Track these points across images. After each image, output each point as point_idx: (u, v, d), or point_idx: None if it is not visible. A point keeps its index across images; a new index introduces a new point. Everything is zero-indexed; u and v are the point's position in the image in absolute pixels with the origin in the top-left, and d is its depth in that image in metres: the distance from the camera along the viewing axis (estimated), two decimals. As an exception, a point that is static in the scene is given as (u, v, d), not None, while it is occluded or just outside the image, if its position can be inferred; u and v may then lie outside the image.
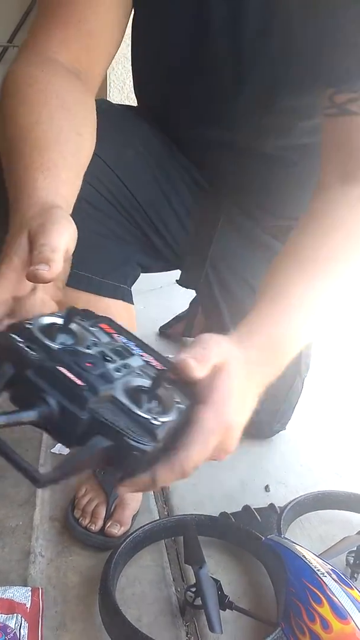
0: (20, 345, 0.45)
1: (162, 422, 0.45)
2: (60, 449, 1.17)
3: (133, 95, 1.05)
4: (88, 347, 0.48)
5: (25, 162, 0.60)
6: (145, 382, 0.48)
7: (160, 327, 1.70)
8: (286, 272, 0.67)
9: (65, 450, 1.17)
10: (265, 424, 1.19)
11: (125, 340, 0.53)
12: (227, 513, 0.96)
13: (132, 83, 1.01)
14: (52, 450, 1.16)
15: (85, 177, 0.83)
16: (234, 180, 0.99)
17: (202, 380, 0.51)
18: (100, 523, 0.94)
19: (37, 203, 0.55)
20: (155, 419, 0.45)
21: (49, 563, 0.89)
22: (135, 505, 0.99)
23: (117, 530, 0.93)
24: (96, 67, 0.79)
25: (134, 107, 1.03)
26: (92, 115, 0.75)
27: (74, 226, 0.54)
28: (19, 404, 0.44)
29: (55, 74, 0.72)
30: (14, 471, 1.11)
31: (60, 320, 0.50)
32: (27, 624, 0.76)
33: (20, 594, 0.80)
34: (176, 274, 1.11)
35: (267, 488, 1.08)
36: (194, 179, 1.00)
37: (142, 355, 0.52)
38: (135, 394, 0.46)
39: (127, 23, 0.84)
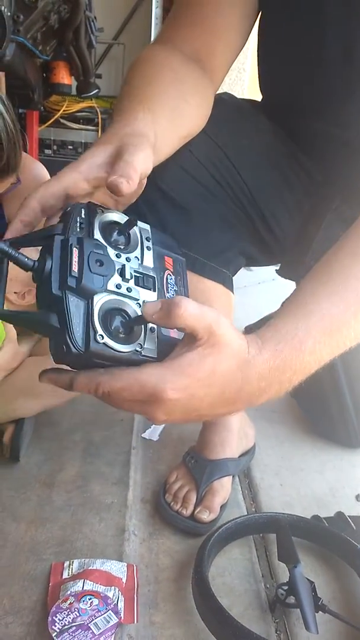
0: (77, 218, 0.52)
1: (105, 343, 0.48)
2: (149, 434, 1.20)
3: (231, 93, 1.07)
4: (118, 255, 0.53)
5: (131, 100, 0.66)
6: (132, 313, 0.52)
7: (246, 327, 1.70)
8: (315, 283, 0.60)
9: (155, 437, 1.20)
10: (358, 433, 1.17)
11: (172, 283, 0.57)
12: (320, 517, 0.95)
13: (229, 81, 1.04)
14: (142, 435, 1.19)
15: (200, 160, 0.89)
16: (347, 176, 0.98)
17: (181, 346, 0.52)
18: (191, 508, 0.95)
19: (133, 128, 0.60)
20: (102, 337, 0.48)
21: (141, 542, 0.92)
22: (225, 494, 1.00)
23: (206, 517, 0.94)
24: (217, 61, 0.84)
25: (255, 100, 1.05)
26: (204, 93, 0.80)
27: (152, 156, 0.58)
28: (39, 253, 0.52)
29: (174, 55, 0.78)
30: (109, 450, 1.15)
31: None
32: (123, 598, 0.78)
33: (117, 569, 0.83)
34: (262, 274, 1.11)
35: (358, 497, 1.06)
36: (307, 172, 1.00)
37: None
38: (112, 313, 0.50)
39: (253, 23, 0.89)
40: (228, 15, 0.83)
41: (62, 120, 2.73)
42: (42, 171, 1.31)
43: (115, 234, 0.54)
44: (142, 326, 0.52)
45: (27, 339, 1.09)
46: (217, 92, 0.88)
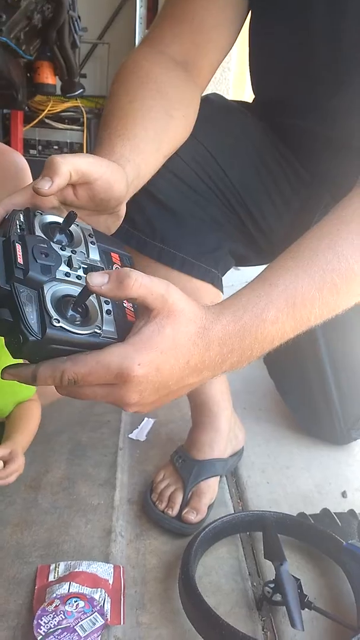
0: (16, 221, 0.51)
1: (62, 327, 0.47)
2: (137, 435, 1.20)
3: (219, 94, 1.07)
4: (62, 248, 0.52)
5: (110, 131, 0.67)
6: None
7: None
8: (281, 260, 0.59)
9: (142, 437, 1.19)
10: (344, 430, 1.18)
11: None
12: (306, 514, 0.95)
13: (214, 81, 1.04)
14: (129, 436, 1.19)
15: (187, 163, 0.89)
16: (335, 175, 0.98)
17: (138, 321, 0.51)
18: (177, 508, 0.95)
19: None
20: (58, 321, 0.47)
21: (128, 543, 0.91)
22: (212, 495, 1.00)
23: (194, 517, 0.95)
24: (205, 60, 0.85)
25: (244, 102, 1.06)
26: (190, 101, 0.80)
27: (105, 162, 0.59)
28: None
29: (159, 64, 0.78)
30: (95, 451, 1.14)
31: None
32: (109, 600, 0.78)
33: (103, 570, 0.83)
34: (249, 273, 1.11)
35: (344, 494, 1.06)
36: (295, 171, 1.01)
37: None
38: (65, 300, 0.49)
39: (242, 23, 0.89)
40: (217, 15, 0.83)
41: (47, 120, 2.71)
42: (20, 160, 1.27)
43: (57, 233, 0.54)
44: (98, 310, 0.51)
45: None
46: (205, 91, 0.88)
